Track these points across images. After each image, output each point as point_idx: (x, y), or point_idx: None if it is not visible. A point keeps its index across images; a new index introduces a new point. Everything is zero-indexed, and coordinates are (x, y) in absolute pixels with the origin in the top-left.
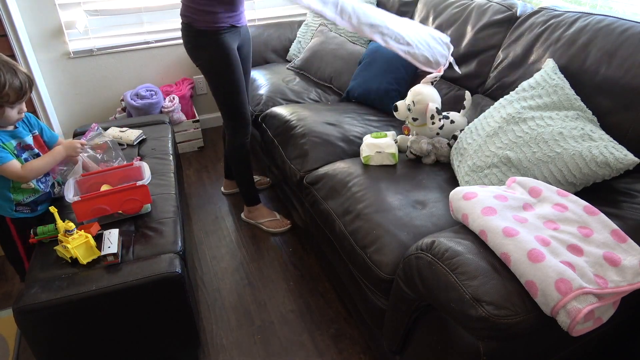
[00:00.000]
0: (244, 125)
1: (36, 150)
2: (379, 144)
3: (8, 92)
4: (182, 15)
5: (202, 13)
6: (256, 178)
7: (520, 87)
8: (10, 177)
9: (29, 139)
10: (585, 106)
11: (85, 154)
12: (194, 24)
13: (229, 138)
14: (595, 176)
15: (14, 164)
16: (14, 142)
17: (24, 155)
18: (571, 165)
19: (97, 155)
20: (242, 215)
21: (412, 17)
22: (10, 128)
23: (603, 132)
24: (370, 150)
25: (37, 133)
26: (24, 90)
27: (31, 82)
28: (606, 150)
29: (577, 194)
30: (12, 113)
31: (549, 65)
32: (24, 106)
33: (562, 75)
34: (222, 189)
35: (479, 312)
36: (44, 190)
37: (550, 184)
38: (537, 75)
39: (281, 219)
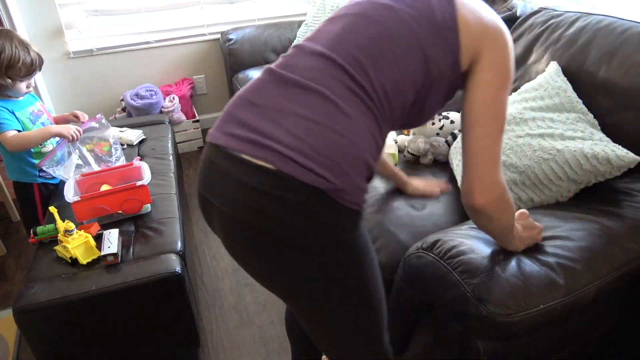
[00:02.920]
0: None
1: (46, 116)
2: None
3: (20, 67)
4: (312, 168)
5: (366, 173)
6: None
7: (522, 88)
8: (4, 145)
9: (38, 105)
10: (587, 109)
11: (83, 148)
12: (343, 195)
13: None
14: (596, 172)
15: (9, 133)
16: (30, 109)
17: (40, 120)
18: (572, 162)
19: (99, 154)
20: None
21: None
22: (19, 98)
23: (603, 135)
24: None
25: (41, 102)
26: (34, 66)
27: (42, 60)
28: (607, 148)
29: (577, 193)
30: (22, 86)
31: (552, 68)
32: (32, 81)
33: (565, 78)
34: None
35: (480, 311)
36: (59, 155)
37: (551, 180)
38: (540, 77)
39: None
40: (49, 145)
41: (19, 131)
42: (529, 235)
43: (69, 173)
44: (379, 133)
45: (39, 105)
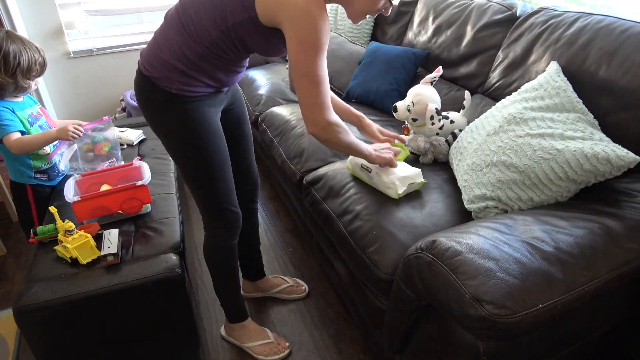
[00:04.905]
0: (226, 225)
1: (44, 119)
2: (410, 176)
3: (37, 67)
4: (143, 64)
5: (174, 72)
6: (287, 283)
7: (522, 88)
8: (8, 148)
9: (37, 108)
10: (586, 109)
11: (83, 143)
12: (158, 81)
13: (205, 236)
14: (596, 172)
15: (13, 135)
16: (29, 111)
17: (38, 123)
18: (572, 162)
19: (93, 155)
20: (222, 331)
21: (412, 17)
22: (20, 99)
23: (603, 135)
24: (404, 185)
25: (40, 105)
26: (46, 66)
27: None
28: (607, 148)
29: (577, 193)
30: (33, 84)
31: (553, 68)
32: (38, 79)
33: (565, 78)
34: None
35: (479, 312)
36: (57, 159)
37: (551, 180)
38: (540, 77)
39: (276, 341)
40: (47, 148)
41: (22, 132)
42: (379, 156)
43: (65, 161)
44: (188, 48)
45: (37, 109)
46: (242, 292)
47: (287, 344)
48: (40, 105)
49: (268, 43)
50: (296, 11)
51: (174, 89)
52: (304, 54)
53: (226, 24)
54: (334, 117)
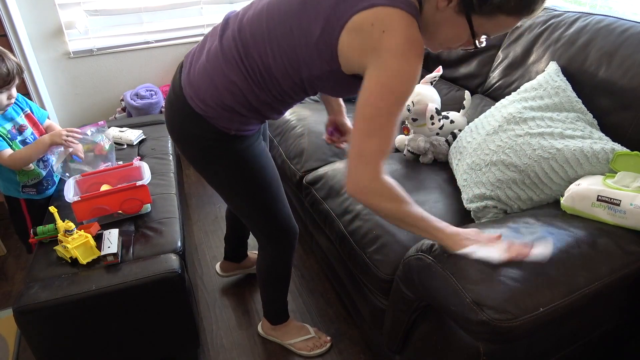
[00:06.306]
0: (288, 242)
1: (31, 130)
2: None
3: None
4: (194, 100)
5: (235, 115)
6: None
7: (522, 88)
8: (3, 165)
9: (22, 119)
10: (586, 109)
11: (79, 145)
12: (214, 121)
13: (262, 253)
14: (595, 171)
15: (5, 152)
16: (8, 126)
17: (20, 138)
18: (572, 161)
19: (92, 155)
20: (260, 329)
21: None
22: (0, 112)
23: (603, 134)
24: None
25: (29, 111)
26: (11, 76)
27: (20, 69)
28: (607, 147)
29: None
30: (1, 98)
31: (552, 68)
32: (13, 92)
33: (564, 78)
34: (218, 269)
35: (479, 316)
36: (43, 173)
37: (551, 179)
38: (539, 77)
39: (317, 335)
40: (30, 165)
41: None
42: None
43: (59, 161)
44: (253, 94)
45: (24, 118)
46: (223, 274)
47: (329, 338)
48: (29, 112)
49: (345, 89)
50: (389, 55)
51: (233, 130)
52: (379, 98)
53: (300, 76)
54: (382, 183)
